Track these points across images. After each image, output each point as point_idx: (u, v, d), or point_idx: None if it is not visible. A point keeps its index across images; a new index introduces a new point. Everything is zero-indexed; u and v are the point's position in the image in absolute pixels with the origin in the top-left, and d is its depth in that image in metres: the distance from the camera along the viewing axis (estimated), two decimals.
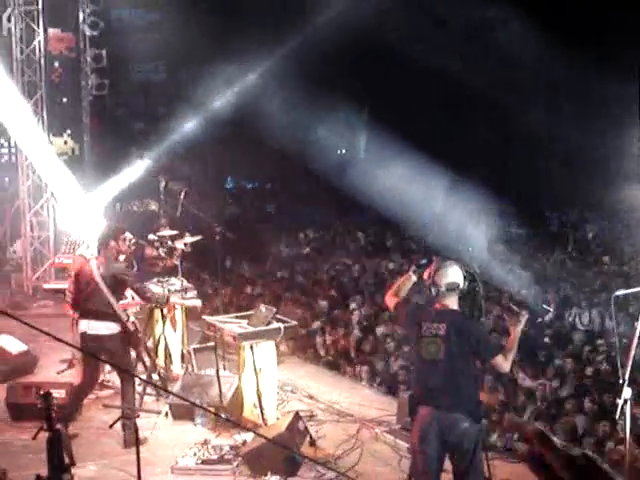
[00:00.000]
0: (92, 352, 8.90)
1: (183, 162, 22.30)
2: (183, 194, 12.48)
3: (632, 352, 6.09)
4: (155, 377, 10.46)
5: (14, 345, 11.24)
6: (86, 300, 8.96)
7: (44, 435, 5.99)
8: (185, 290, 10.76)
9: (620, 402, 5.96)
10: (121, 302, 9.23)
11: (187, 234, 11.41)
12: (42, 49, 16.55)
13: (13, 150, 18.42)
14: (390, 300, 7.20)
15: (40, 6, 16.31)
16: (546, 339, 13.38)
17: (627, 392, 5.95)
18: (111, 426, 9.15)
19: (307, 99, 18.96)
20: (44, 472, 5.91)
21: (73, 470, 6.37)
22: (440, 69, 21.57)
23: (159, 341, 10.71)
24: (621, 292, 6.35)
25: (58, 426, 6.15)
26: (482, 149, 26.35)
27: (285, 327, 9.35)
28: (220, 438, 8.95)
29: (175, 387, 9.95)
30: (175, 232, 11.42)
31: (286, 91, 19.51)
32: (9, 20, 16.43)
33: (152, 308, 10.48)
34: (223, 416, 9.04)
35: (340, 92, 21.78)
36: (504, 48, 21.24)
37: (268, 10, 22.75)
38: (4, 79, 14.73)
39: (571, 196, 24.80)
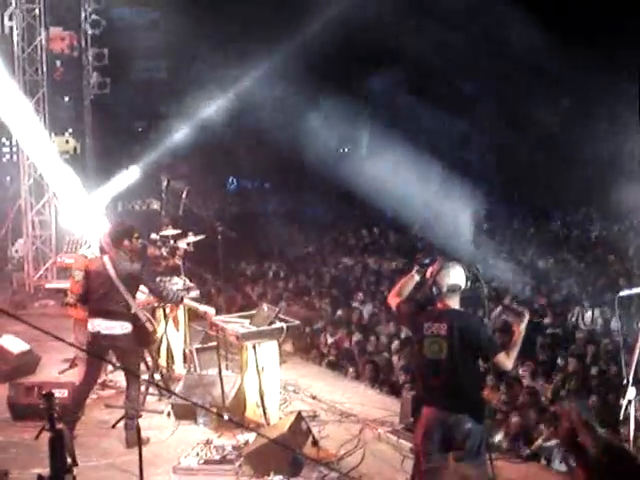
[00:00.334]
0: (100, 351, 8.86)
1: (184, 161, 22.28)
2: (185, 193, 12.45)
3: (636, 352, 6.07)
4: (157, 377, 10.44)
5: (16, 344, 11.21)
6: (99, 299, 8.84)
7: (46, 435, 5.97)
8: (188, 289, 10.73)
9: (624, 402, 5.94)
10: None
11: (190, 233, 11.39)
12: (44, 48, 16.55)
13: (14, 149, 18.38)
14: (392, 300, 7.19)
15: (42, 4, 16.32)
16: (547, 338, 13.41)
17: (631, 392, 5.93)
18: (114, 426, 9.20)
19: (308, 97, 18.97)
20: (46, 472, 5.89)
21: (75, 470, 6.35)
22: (443, 66, 21.57)
23: (161, 341, 10.68)
24: (625, 292, 6.33)
25: (60, 426, 6.13)
26: (487, 148, 26.39)
27: (288, 327, 9.33)
28: (222, 438, 8.92)
29: (177, 387, 9.92)
30: (178, 231, 11.40)
31: (287, 90, 19.52)
32: (10, 18, 16.44)
33: (155, 308, 10.44)
34: (225, 417, 9.00)
35: (342, 90, 21.78)
36: (509, 46, 21.25)
37: (269, 9, 22.74)
38: (5, 78, 14.69)
39: (577, 195, 24.83)
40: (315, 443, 8.65)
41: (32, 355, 11.37)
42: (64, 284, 12.64)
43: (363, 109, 26.29)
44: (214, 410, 9.25)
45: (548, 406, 10.41)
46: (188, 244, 11.25)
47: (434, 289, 6.75)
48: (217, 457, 8.46)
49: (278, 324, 9.29)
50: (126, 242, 8.98)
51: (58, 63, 17.41)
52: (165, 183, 12.61)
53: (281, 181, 27.89)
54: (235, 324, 9.57)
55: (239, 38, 21.51)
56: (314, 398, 10.29)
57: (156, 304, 10.22)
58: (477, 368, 6.85)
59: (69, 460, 6.35)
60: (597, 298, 15.35)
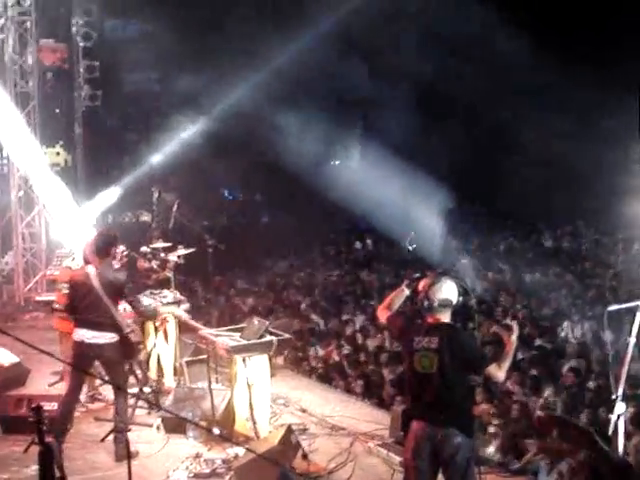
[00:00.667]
0: (85, 362, 8.82)
1: (175, 173, 22.30)
2: (176, 206, 12.45)
3: (625, 367, 6.08)
4: (147, 390, 10.42)
5: (5, 357, 11.16)
6: (84, 310, 8.78)
7: (35, 448, 5.95)
8: (178, 302, 10.72)
9: (613, 417, 5.94)
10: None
11: (180, 246, 11.39)
12: (35, 60, 16.54)
13: (5, 161, 18.36)
14: (382, 313, 7.18)
15: (33, 17, 16.32)
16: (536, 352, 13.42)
17: (620, 407, 5.93)
18: (103, 439, 9.16)
19: (300, 110, 19.00)
20: None
21: None
22: (433, 82, 21.66)
23: (151, 354, 10.67)
24: (614, 307, 6.33)
25: (49, 440, 6.11)
26: (475, 161, 26.46)
27: (278, 340, 9.32)
28: (212, 452, 8.90)
29: (167, 400, 9.91)
30: (168, 244, 11.39)
31: (279, 102, 19.54)
32: (2, 31, 16.43)
33: (144, 321, 10.43)
34: (215, 431, 8.99)
35: (334, 103, 21.84)
36: (498, 61, 21.33)
37: (260, 23, 22.82)
38: None
39: (566, 210, 24.92)
40: (305, 457, 8.63)
41: (22, 367, 11.33)
42: (53, 297, 12.62)
43: (355, 122, 26.38)
44: (203, 424, 9.23)
45: (537, 420, 10.41)
46: (178, 257, 11.24)
47: (425, 303, 6.75)
48: (207, 471, 8.44)
49: (268, 337, 9.28)
50: (110, 251, 8.96)
51: (49, 75, 17.43)
52: (156, 195, 12.62)
53: (273, 193, 27.92)
54: (225, 337, 9.56)
55: (230, 51, 21.54)
56: (304, 411, 10.28)
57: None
58: (468, 382, 6.84)
59: (58, 474, 6.33)
60: (587, 311, 15.38)
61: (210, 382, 9.59)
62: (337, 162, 28.36)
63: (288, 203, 26.74)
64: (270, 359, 9.40)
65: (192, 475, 8.36)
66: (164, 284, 11.16)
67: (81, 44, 17.53)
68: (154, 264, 11.09)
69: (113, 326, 8.74)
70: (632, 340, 6.03)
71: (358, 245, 24.24)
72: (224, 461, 8.58)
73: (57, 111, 17.98)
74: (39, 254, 16.71)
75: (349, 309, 16.55)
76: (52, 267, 15.45)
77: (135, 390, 10.19)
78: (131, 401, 9.65)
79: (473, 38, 21.64)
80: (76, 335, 8.82)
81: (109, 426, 9.13)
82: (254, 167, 25.53)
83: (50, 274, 15.43)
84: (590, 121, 24.64)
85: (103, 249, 8.92)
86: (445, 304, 6.70)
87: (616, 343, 8.46)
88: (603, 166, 24.31)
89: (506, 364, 6.69)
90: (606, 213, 23.28)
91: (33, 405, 5.85)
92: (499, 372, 6.66)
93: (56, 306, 10.54)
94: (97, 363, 9.01)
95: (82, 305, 8.82)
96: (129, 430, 8.85)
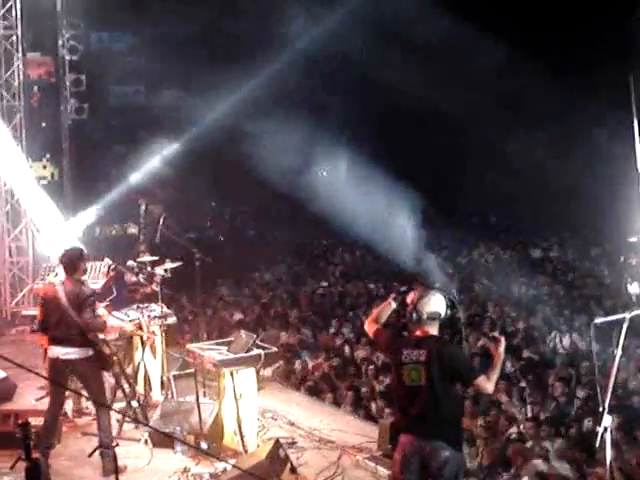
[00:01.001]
0: (61, 377, 8.78)
1: (162, 186, 22.27)
2: (162, 220, 12.42)
3: (612, 379, 6.09)
4: (134, 404, 10.37)
5: None
6: (54, 326, 8.77)
7: (22, 464, 5.92)
8: (165, 316, 10.69)
9: (600, 430, 5.94)
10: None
11: (167, 260, 11.35)
12: (21, 73, 16.49)
13: None
14: (369, 326, 7.19)
15: (19, 30, 16.27)
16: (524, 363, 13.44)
17: (607, 420, 5.93)
18: (90, 455, 9.08)
19: (287, 121, 18.99)
20: None
21: None
22: (424, 102, 21.70)
23: (138, 368, 10.63)
24: (601, 320, 6.34)
25: (36, 455, 6.08)
26: (463, 177, 26.54)
27: (266, 354, 9.31)
28: (200, 466, 8.87)
29: (155, 414, 9.87)
30: (155, 258, 11.37)
31: (265, 115, 19.53)
32: None
33: (131, 335, 10.40)
34: (203, 445, 8.97)
35: (320, 114, 21.84)
36: (485, 75, 21.40)
37: (248, 36, 22.83)
38: None
39: (553, 221, 24.99)
40: (293, 470, 8.62)
41: (9, 382, 11.25)
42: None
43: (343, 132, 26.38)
44: (191, 439, 9.20)
45: (526, 432, 10.43)
46: (165, 270, 11.21)
47: (414, 316, 6.76)
48: None
49: (256, 351, 9.28)
50: (78, 267, 8.92)
51: (35, 89, 17.39)
52: (143, 207, 12.59)
53: (259, 205, 27.90)
54: (213, 351, 9.55)
55: (217, 64, 21.54)
56: (292, 425, 10.26)
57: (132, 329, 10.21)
58: (456, 395, 6.86)
59: None
60: (575, 322, 15.42)
61: (198, 396, 9.56)
62: (324, 173, 28.35)
63: (275, 215, 26.75)
64: (257, 372, 9.40)
65: None
66: (151, 298, 11.14)
67: (67, 57, 17.49)
68: (141, 278, 11.06)
69: (83, 341, 8.71)
70: (618, 352, 6.03)
71: (346, 257, 24.24)
72: (212, 475, 8.57)
73: (43, 125, 17.94)
74: (26, 268, 16.63)
75: (337, 321, 16.53)
76: (39, 281, 15.39)
77: (123, 404, 10.14)
78: (118, 416, 9.61)
79: (456, 50, 21.78)
80: (51, 352, 8.82)
81: (96, 440, 9.07)
82: (241, 179, 25.50)
83: (37, 288, 15.37)
84: (577, 131, 24.74)
85: (69, 266, 8.90)
86: (433, 317, 6.72)
87: (603, 354, 8.50)
88: (590, 177, 24.37)
89: (494, 376, 6.71)
90: (592, 224, 23.34)
91: (20, 421, 5.83)
92: (488, 384, 6.67)
93: (33, 326, 10.49)
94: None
95: (53, 321, 8.81)
96: (116, 445, 8.80)
